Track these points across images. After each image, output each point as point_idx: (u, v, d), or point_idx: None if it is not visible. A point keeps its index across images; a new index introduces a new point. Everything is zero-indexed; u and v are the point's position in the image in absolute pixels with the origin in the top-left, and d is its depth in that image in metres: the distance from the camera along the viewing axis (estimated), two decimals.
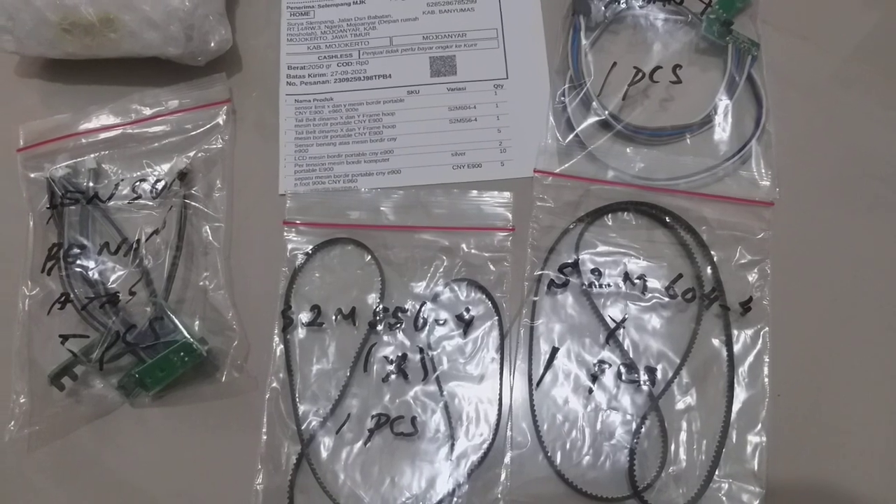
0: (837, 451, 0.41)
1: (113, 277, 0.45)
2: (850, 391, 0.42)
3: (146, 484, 0.42)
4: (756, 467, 0.40)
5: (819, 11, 0.51)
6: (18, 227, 0.47)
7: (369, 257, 0.45)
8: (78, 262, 0.45)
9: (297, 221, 0.46)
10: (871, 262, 0.44)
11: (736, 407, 0.41)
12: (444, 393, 0.42)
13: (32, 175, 0.48)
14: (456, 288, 0.44)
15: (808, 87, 0.48)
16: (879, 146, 0.47)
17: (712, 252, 0.44)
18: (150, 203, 0.47)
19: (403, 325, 0.43)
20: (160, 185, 0.47)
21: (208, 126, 0.49)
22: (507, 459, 0.41)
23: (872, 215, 0.45)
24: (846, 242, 0.45)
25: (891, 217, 0.45)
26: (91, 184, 0.47)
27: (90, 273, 0.45)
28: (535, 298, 0.44)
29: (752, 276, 0.43)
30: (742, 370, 0.42)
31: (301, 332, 0.44)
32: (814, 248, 0.44)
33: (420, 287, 0.44)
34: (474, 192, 0.46)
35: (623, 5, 0.49)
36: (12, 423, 0.42)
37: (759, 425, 0.41)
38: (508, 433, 0.41)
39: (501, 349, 0.43)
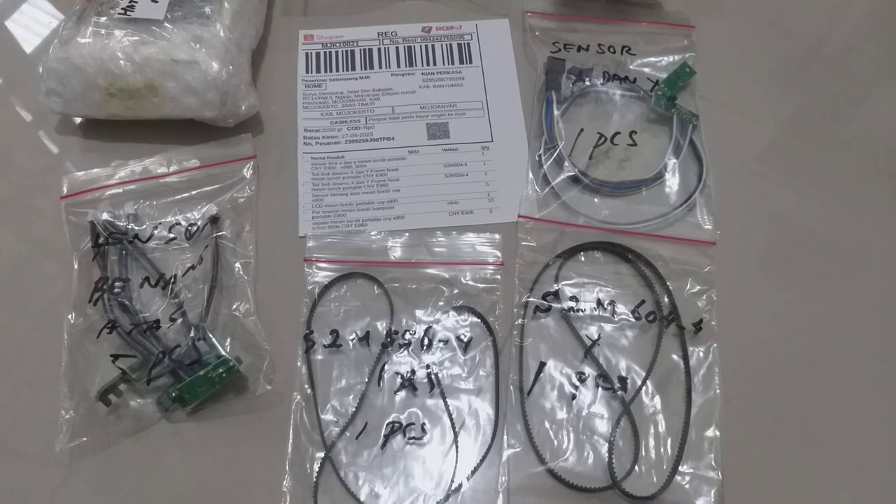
0: (781, 442, 0.47)
1: (153, 308, 0.50)
2: (787, 392, 0.48)
3: (181, 492, 0.46)
4: (713, 459, 0.46)
5: (747, 92, 0.60)
6: (62, 266, 0.52)
7: (380, 289, 0.52)
8: (121, 294, 0.50)
9: (316, 258, 0.52)
10: (798, 287, 0.52)
11: (694, 410, 0.47)
12: (448, 403, 0.48)
13: (74, 220, 0.53)
14: (455, 314, 0.51)
15: (740, 150, 0.57)
16: (800, 198, 0.56)
17: (668, 283, 0.51)
18: (185, 244, 0.52)
19: (411, 346, 0.49)
20: (194, 229, 0.52)
21: (236, 178, 0.54)
22: (503, 458, 0.46)
23: (797, 252, 0.54)
24: (777, 273, 0.53)
25: (810, 249, 0.54)
26: (131, 225, 0.52)
27: (134, 303, 0.50)
28: (524, 322, 0.50)
29: (702, 302, 0.51)
30: (697, 379, 0.48)
31: (321, 354, 0.49)
32: (750, 278, 0.52)
33: (425, 313, 0.51)
34: (469, 234, 0.53)
35: (587, 83, 0.59)
36: (61, 435, 0.46)
37: (714, 424, 0.47)
38: (504, 436, 0.47)
39: (497, 365, 0.49)
